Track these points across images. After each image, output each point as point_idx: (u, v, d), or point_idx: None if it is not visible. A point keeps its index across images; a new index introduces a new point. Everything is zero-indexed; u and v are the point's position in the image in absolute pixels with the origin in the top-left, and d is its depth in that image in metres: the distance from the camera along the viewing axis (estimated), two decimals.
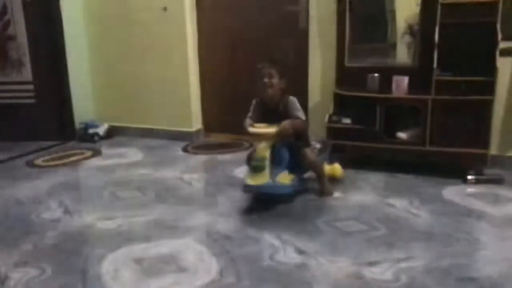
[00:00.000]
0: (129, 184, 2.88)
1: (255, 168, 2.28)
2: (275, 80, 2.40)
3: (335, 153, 2.88)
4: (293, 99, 2.45)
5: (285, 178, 2.36)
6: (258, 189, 2.32)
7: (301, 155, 2.46)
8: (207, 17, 3.85)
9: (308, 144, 2.56)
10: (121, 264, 1.84)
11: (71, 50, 3.99)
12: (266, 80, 2.39)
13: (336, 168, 2.83)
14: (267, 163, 2.26)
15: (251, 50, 3.74)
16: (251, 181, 2.28)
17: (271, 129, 2.31)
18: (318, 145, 2.78)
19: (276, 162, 2.34)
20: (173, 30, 3.79)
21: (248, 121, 2.46)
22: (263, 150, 2.29)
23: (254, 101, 2.55)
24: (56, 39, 3.91)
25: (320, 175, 2.60)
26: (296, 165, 2.46)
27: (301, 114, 2.41)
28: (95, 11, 4.07)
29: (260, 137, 2.36)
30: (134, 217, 2.33)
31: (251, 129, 2.36)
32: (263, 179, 2.25)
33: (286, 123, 2.32)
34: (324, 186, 2.59)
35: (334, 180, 2.75)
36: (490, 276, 1.73)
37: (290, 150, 2.42)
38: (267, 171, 2.26)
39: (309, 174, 2.66)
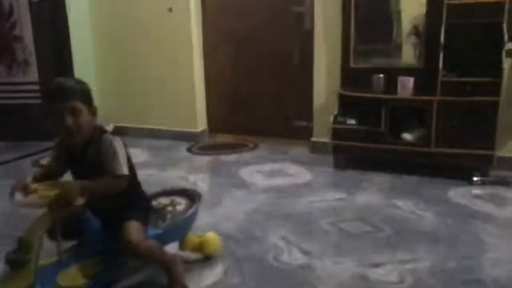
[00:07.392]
0: None
1: (10, 263, 1.36)
2: (84, 118, 1.46)
3: (339, 155, 2.81)
4: (108, 140, 1.49)
5: (74, 276, 1.46)
6: None
7: (121, 234, 1.45)
8: (212, 18, 3.85)
9: (137, 211, 1.55)
10: None
11: (77, 51, 4.01)
12: (69, 122, 1.43)
13: (209, 240, 1.85)
14: (34, 253, 1.37)
15: (256, 51, 3.74)
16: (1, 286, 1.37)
17: (45, 198, 1.37)
18: (179, 205, 1.80)
19: (78, 248, 1.55)
20: (179, 30, 3.80)
21: (21, 181, 1.44)
22: (33, 231, 1.39)
23: (55, 142, 1.67)
24: (62, 39, 3.93)
25: (163, 262, 1.57)
26: (114, 244, 1.50)
27: (120, 166, 1.45)
28: (101, 12, 4.09)
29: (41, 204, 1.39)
30: None
31: (17, 199, 1.42)
32: (20, 283, 1.34)
33: (71, 185, 1.41)
34: (174, 276, 1.58)
35: (207, 258, 1.86)
36: (496, 278, 1.72)
37: (106, 218, 1.53)
38: (31, 269, 1.36)
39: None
